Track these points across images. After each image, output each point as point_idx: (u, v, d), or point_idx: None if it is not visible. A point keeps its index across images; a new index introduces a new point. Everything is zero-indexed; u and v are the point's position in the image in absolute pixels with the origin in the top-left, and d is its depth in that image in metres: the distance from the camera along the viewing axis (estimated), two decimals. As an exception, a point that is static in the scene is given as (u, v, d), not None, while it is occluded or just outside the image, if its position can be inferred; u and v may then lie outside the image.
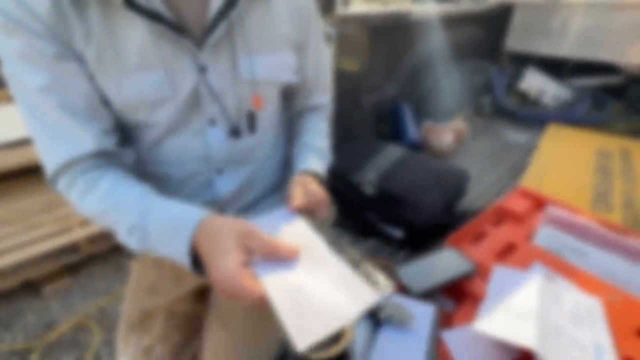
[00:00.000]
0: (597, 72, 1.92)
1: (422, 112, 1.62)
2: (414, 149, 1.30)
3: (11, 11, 0.41)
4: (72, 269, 1.74)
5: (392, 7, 1.31)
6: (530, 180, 1.17)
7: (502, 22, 1.97)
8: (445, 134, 1.33)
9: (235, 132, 0.56)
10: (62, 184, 0.49)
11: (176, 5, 0.46)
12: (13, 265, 1.52)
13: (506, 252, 0.72)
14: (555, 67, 1.97)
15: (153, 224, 0.44)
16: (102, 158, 0.50)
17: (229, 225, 0.40)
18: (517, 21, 1.93)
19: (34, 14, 0.41)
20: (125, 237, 0.47)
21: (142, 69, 0.47)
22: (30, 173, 2.13)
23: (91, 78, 0.46)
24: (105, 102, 0.49)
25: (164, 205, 0.46)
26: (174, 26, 0.45)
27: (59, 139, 0.46)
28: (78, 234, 1.68)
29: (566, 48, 1.81)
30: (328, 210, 0.55)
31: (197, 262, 0.42)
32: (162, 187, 0.61)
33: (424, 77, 1.67)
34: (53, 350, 1.26)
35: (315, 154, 0.64)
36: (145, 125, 0.53)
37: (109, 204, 0.46)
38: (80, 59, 0.45)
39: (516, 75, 2.00)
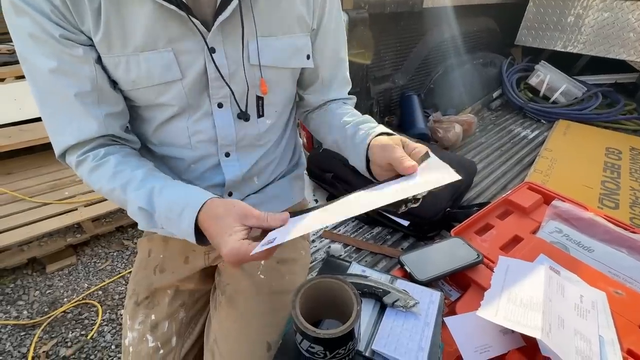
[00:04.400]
0: (610, 70, 1.89)
1: (430, 104, 1.61)
2: (421, 140, 1.29)
3: None
4: (76, 248, 1.76)
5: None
6: (537, 175, 1.16)
7: (515, 15, 1.93)
8: (453, 126, 1.32)
9: (243, 116, 0.56)
10: (70, 160, 0.50)
11: None
12: (19, 243, 1.54)
13: (511, 244, 0.72)
14: (568, 63, 1.93)
15: (159, 206, 0.45)
16: (108, 140, 0.51)
17: (230, 208, 0.42)
18: (530, 15, 1.89)
19: None
20: (134, 216, 0.49)
21: (150, 49, 0.46)
22: (39, 151, 2.15)
23: (98, 61, 0.46)
24: (114, 84, 0.49)
25: (168, 188, 0.47)
26: (182, 5, 0.44)
27: (66, 122, 0.47)
28: (82, 215, 1.69)
29: (580, 44, 1.77)
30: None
31: (200, 236, 0.44)
32: (172, 169, 0.61)
33: (434, 68, 1.65)
34: (57, 327, 1.28)
35: (372, 121, 0.57)
36: (155, 106, 0.53)
37: (116, 184, 0.47)
38: (86, 44, 0.44)
39: (527, 70, 1.97)
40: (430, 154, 0.45)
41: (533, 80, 1.83)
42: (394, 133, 0.52)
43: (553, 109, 1.69)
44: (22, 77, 2.17)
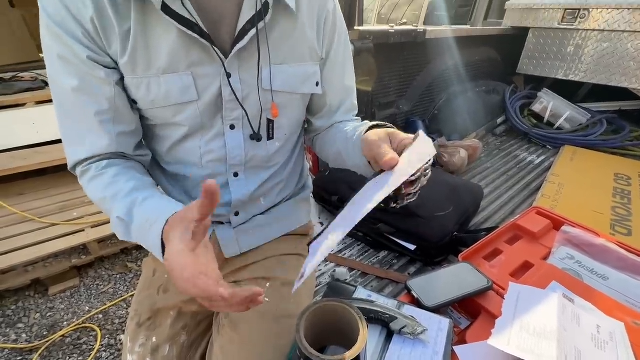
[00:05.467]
0: (613, 97, 1.91)
1: (435, 129, 1.63)
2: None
3: (57, 15, 0.44)
4: (80, 270, 1.75)
5: (407, 26, 1.35)
6: (545, 200, 1.15)
7: (516, 45, 1.99)
8: (458, 151, 1.33)
9: (255, 137, 0.58)
10: (78, 170, 0.52)
11: (209, 14, 0.49)
12: (25, 263, 1.54)
13: (522, 271, 0.70)
14: (570, 90, 1.97)
15: (136, 217, 0.45)
16: (117, 156, 0.53)
17: (175, 217, 0.39)
18: (530, 45, 1.95)
19: (77, 19, 0.44)
20: (114, 227, 0.49)
21: (171, 72, 0.49)
22: (51, 173, 2.20)
23: (118, 82, 0.49)
24: (132, 103, 0.52)
25: (150, 200, 0.47)
26: (204, 34, 0.47)
27: (81, 136, 0.50)
28: (89, 236, 1.70)
29: (581, 73, 1.81)
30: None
31: None
32: (181, 187, 0.63)
33: (438, 95, 1.69)
34: (55, 352, 1.25)
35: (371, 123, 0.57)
36: (170, 125, 0.55)
37: (107, 193, 0.48)
38: (109, 66, 0.48)
39: (530, 97, 2.01)
40: (420, 132, 0.44)
41: (536, 107, 1.85)
42: (387, 124, 0.52)
43: (558, 134, 1.70)
44: (42, 102, 2.27)
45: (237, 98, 0.54)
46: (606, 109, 1.92)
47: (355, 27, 1.06)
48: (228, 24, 0.50)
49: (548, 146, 1.69)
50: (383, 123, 0.53)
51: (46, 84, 2.54)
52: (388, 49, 1.24)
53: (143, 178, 0.52)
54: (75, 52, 0.45)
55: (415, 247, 0.82)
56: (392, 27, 1.23)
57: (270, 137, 0.62)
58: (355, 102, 0.72)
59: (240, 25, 0.50)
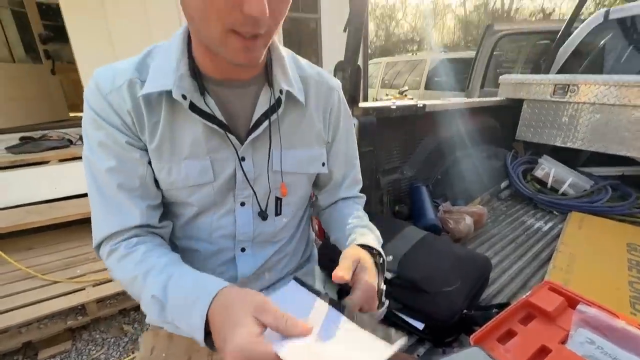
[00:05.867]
0: (615, 162, 1.94)
1: (439, 194, 1.66)
2: (432, 230, 1.30)
3: (101, 110, 0.50)
4: (74, 332, 1.68)
5: (408, 102, 1.46)
6: (557, 272, 1.11)
7: (513, 114, 2.11)
8: (464, 217, 1.34)
9: (262, 215, 0.61)
10: (104, 250, 0.54)
11: (228, 108, 0.55)
12: (20, 325, 1.50)
13: (539, 356, 0.66)
14: (571, 155, 2.02)
15: (172, 295, 0.45)
16: (145, 229, 0.55)
17: (243, 298, 0.40)
18: (526, 115, 2.07)
19: (117, 112, 0.51)
20: (146, 307, 0.49)
21: (191, 158, 0.54)
22: (62, 227, 2.24)
23: (149, 162, 0.54)
24: (157, 183, 0.56)
25: (185, 275, 0.48)
26: (224, 125, 0.53)
27: (112, 212, 0.53)
28: (89, 295, 1.67)
29: (578, 141, 1.88)
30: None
31: (209, 337, 0.42)
32: (189, 261, 0.64)
33: (440, 160, 1.75)
34: None
35: (365, 229, 0.64)
36: (184, 203, 0.59)
37: (140, 271, 0.49)
38: (143, 148, 0.53)
39: (531, 162, 2.06)
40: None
41: (539, 173, 1.89)
42: (374, 247, 0.57)
43: (563, 200, 1.71)
44: (65, 160, 2.41)
45: (247, 180, 0.58)
46: (608, 174, 1.95)
47: (360, 105, 1.16)
48: (245, 115, 0.57)
49: (554, 212, 1.69)
50: (366, 244, 0.58)
51: (71, 142, 2.72)
52: (390, 122, 1.34)
53: (173, 254, 0.53)
54: (116, 138, 0.51)
55: (423, 325, 0.79)
56: (394, 103, 1.34)
57: (278, 213, 0.65)
58: (359, 176, 0.77)
59: (255, 117, 0.56)
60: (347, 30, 1.08)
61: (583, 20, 2.59)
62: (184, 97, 0.49)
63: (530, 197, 1.78)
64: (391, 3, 16.90)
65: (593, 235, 1.38)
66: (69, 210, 2.14)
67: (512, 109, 2.10)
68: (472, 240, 1.38)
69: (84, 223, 2.30)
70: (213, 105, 0.52)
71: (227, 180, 0.58)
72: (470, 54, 5.55)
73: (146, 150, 0.54)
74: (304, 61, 0.64)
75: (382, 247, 0.60)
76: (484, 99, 2.08)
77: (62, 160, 2.41)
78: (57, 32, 5.02)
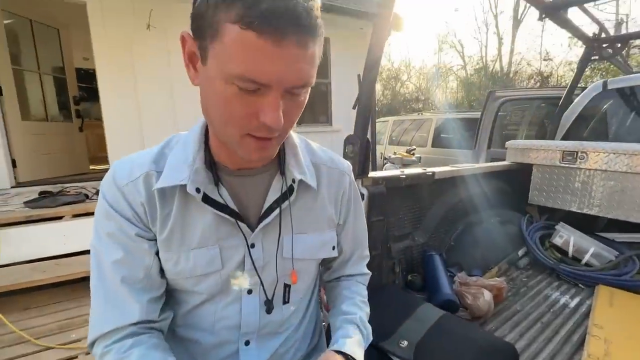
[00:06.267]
0: (636, 227, 1.85)
1: (454, 262, 1.59)
2: (448, 306, 1.21)
3: (114, 201, 0.51)
4: (59, 411, 1.54)
5: (417, 170, 1.48)
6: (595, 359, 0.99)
7: (523, 177, 2.10)
8: (482, 292, 1.26)
9: (268, 304, 0.59)
10: (97, 350, 0.51)
11: (241, 196, 0.56)
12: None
13: None
14: (589, 220, 1.94)
15: None
16: (142, 325, 0.52)
17: None
18: (537, 179, 2.05)
19: (130, 204, 0.51)
20: None
21: (200, 247, 0.54)
22: (63, 286, 2.18)
23: (156, 254, 0.53)
24: (162, 271, 0.55)
25: None
26: (234, 213, 0.54)
27: (112, 307, 0.51)
28: (80, 368, 1.56)
29: (595, 207, 1.83)
30: None
31: None
32: (188, 353, 0.60)
33: (453, 226, 1.71)
34: None
35: (353, 327, 0.63)
36: (190, 292, 0.57)
37: None
38: (152, 239, 0.53)
39: (548, 228, 1.99)
40: None
41: (557, 241, 1.82)
42: (350, 355, 0.56)
43: (588, 272, 1.60)
44: (78, 215, 2.45)
45: (255, 267, 0.57)
46: (631, 240, 1.85)
47: (369, 175, 1.18)
48: (256, 202, 0.57)
49: (580, 285, 1.58)
50: (345, 352, 0.56)
51: (87, 197, 2.80)
52: (400, 190, 1.34)
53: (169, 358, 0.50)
54: (125, 230, 0.51)
55: None
56: (403, 172, 1.36)
57: (285, 301, 0.62)
58: (367, 252, 0.77)
59: (266, 205, 0.57)
60: (356, 107, 1.14)
61: (583, 87, 2.71)
62: (198, 190, 0.50)
63: (552, 267, 1.68)
64: (396, 66, 18.24)
65: (627, 315, 1.26)
66: (75, 267, 2.11)
67: (521, 173, 2.10)
68: (493, 318, 1.28)
69: (86, 280, 2.25)
70: (226, 195, 0.53)
71: (235, 268, 0.56)
72: (474, 114, 5.78)
73: (155, 240, 0.53)
74: (315, 146, 0.66)
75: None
76: (493, 164, 2.10)
77: (75, 216, 2.45)
78: (89, 93, 5.51)
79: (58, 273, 2.06)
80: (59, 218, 2.39)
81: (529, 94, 4.00)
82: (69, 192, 2.79)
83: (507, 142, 2.24)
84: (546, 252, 1.79)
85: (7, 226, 2.18)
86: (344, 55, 4.97)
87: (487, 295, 1.24)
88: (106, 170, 3.91)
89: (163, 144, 0.56)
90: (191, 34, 0.43)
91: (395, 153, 5.25)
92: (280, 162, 0.58)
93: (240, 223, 0.54)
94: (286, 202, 0.56)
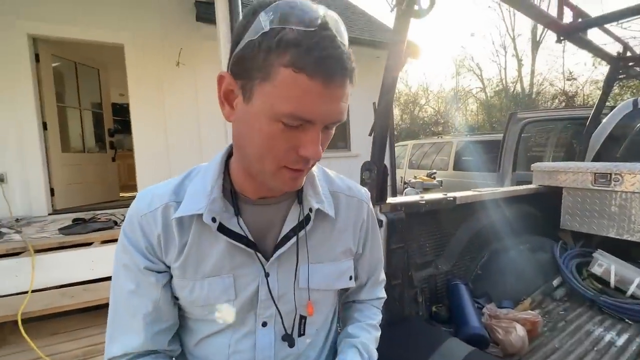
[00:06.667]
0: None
1: (481, 292, 1.50)
2: (477, 341, 1.13)
3: (131, 233, 0.54)
4: None
5: (437, 195, 1.45)
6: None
7: (553, 201, 1.99)
8: (514, 326, 1.17)
9: (287, 339, 0.57)
10: None
11: (258, 225, 0.57)
12: None
13: None
14: (629, 246, 1.79)
15: None
16: (149, 355, 0.54)
17: None
18: (568, 203, 1.95)
19: (146, 235, 0.54)
20: None
21: (214, 275, 0.54)
22: (90, 311, 2.24)
23: (165, 285, 0.55)
24: (175, 299, 0.56)
25: None
26: (250, 244, 0.54)
27: (121, 334, 0.54)
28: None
29: (636, 234, 1.69)
30: None
31: None
32: None
33: (479, 253, 1.63)
34: None
35: (353, 350, 0.63)
36: (203, 320, 0.57)
37: None
38: (161, 271, 0.55)
39: (585, 255, 1.85)
40: None
41: (596, 270, 1.68)
42: None
43: (635, 305, 1.46)
44: (107, 241, 2.55)
45: (272, 297, 0.56)
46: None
47: (388, 201, 1.16)
48: (272, 231, 0.58)
49: (626, 320, 1.43)
50: None
51: (115, 223, 2.92)
52: (420, 216, 1.31)
53: None
54: (137, 262, 0.53)
55: None
56: (422, 197, 1.33)
57: (301, 333, 0.61)
58: (383, 275, 0.76)
59: (283, 233, 0.57)
60: (372, 134, 1.15)
61: (612, 107, 2.61)
62: (214, 219, 0.52)
63: (592, 299, 1.55)
64: (414, 91, 18.41)
65: (686, 357, 1.12)
66: (102, 293, 2.17)
67: (550, 197, 2.00)
68: (528, 356, 1.17)
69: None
70: (243, 224, 0.54)
71: (249, 298, 0.56)
72: (496, 136, 5.66)
73: (164, 272, 0.55)
74: (333, 174, 0.67)
75: None
76: (518, 188, 2.02)
77: (104, 242, 2.55)
78: (122, 125, 5.93)
79: (85, 298, 2.11)
80: (89, 244, 2.49)
81: (552, 114, 3.89)
82: (99, 218, 2.92)
83: (533, 165, 2.16)
84: (584, 282, 1.65)
85: (42, 252, 2.30)
86: (362, 82, 5.07)
87: (520, 330, 1.15)
88: (134, 197, 4.09)
89: (184, 175, 0.58)
90: (231, 74, 0.46)
91: (415, 177, 5.18)
92: (298, 192, 0.59)
93: (257, 253, 0.55)
94: (302, 231, 0.57)
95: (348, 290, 0.72)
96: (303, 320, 0.60)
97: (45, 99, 3.54)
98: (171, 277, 0.55)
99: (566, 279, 1.68)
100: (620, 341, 1.27)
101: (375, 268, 0.73)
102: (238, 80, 0.45)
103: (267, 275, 0.56)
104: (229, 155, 0.58)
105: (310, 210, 0.57)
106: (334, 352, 0.70)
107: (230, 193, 0.55)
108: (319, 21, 0.41)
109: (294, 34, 0.40)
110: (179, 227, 0.53)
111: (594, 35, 1.95)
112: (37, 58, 3.45)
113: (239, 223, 0.54)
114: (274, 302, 0.56)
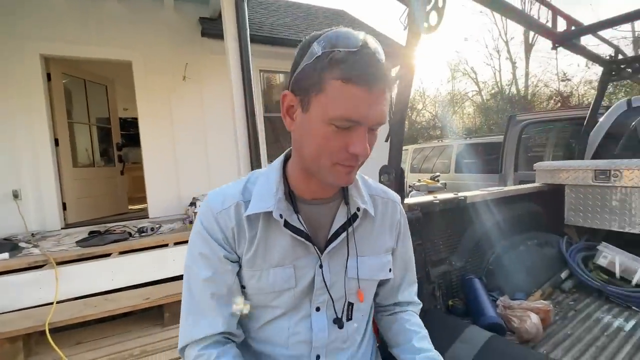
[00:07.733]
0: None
1: (494, 286, 1.57)
2: (494, 330, 1.20)
3: (209, 226, 0.62)
4: None
5: (449, 195, 1.53)
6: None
7: (556, 198, 2.08)
8: (529, 314, 1.24)
9: (338, 322, 0.65)
10: (190, 353, 0.61)
11: (312, 222, 0.66)
12: None
13: None
14: (633, 238, 1.87)
15: None
16: (225, 336, 0.61)
17: None
18: (571, 199, 2.03)
19: (222, 229, 0.62)
20: None
21: (279, 265, 0.63)
22: (111, 320, 2.29)
23: (237, 273, 0.63)
24: (242, 288, 0.64)
25: None
26: (308, 238, 0.63)
27: (201, 318, 0.61)
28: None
29: (637, 226, 1.77)
30: None
31: None
32: None
33: (489, 249, 1.70)
34: None
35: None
36: (267, 307, 0.65)
37: None
38: (234, 260, 0.63)
39: (590, 249, 1.93)
40: None
41: (602, 261, 1.76)
42: None
43: (640, 294, 1.53)
44: (125, 252, 2.62)
45: (326, 285, 0.64)
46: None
47: (405, 201, 1.25)
48: (325, 228, 0.66)
49: (633, 307, 1.50)
50: None
51: (130, 234, 2.98)
52: (434, 215, 1.39)
53: None
54: (215, 251, 0.61)
55: None
56: (436, 197, 1.42)
57: (349, 318, 0.68)
58: (415, 277, 0.82)
59: (333, 230, 0.66)
60: (388, 140, 1.24)
61: (607, 106, 2.72)
62: (281, 216, 0.60)
63: (599, 289, 1.62)
64: (411, 96, 18.61)
65: (691, 339, 1.19)
66: (122, 302, 2.23)
67: (553, 194, 2.08)
68: (543, 342, 1.24)
69: (130, 315, 2.35)
70: (302, 221, 0.63)
71: (307, 286, 0.64)
72: (495, 138, 5.77)
73: (236, 262, 0.63)
74: (370, 180, 0.76)
75: (443, 351, 0.62)
76: (523, 186, 2.10)
77: (121, 253, 2.62)
78: (130, 139, 6.02)
79: (107, 308, 2.17)
80: (107, 255, 2.56)
81: (550, 115, 4.01)
82: (114, 230, 2.99)
83: (535, 164, 2.25)
84: (591, 274, 1.72)
85: (63, 264, 2.37)
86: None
87: (535, 318, 1.22)
88: (143, 209, 4.14)
89: (245, 180, 0.67)
90: (292, 91, 0.56)
91: (419, 180, 5.27)
92: (344, 194, 0.67)
93: (314, 246, 0.63)
94: (350, 227, 0.65)
95: (383, 288, 0.79)
96: (351, 307, 0.68)
97: (57, 116, 3.64)
98: (240, 268, 0.63)
99: (573, 271, 1.76)
100: (628, 326, 1.34)
101: (408, 266, 0.80)
102: (297, 96, 0.55)
103: (321, 266, 0.64)
104: (285, 161, 0.67)
105: (358, 209, 0.66)
106: (372, 341, 0.78)
107: (289, 194, 0.63)
108: (360, 43, 0.51)
109: (341, 54, 0.50)
110: (249, 223, 0.62)
111: (587, 37, 2.06)
112: (48, 77, 3.56)
113: (299, 219, 0.62)
114: (327, 289, 0.64)
